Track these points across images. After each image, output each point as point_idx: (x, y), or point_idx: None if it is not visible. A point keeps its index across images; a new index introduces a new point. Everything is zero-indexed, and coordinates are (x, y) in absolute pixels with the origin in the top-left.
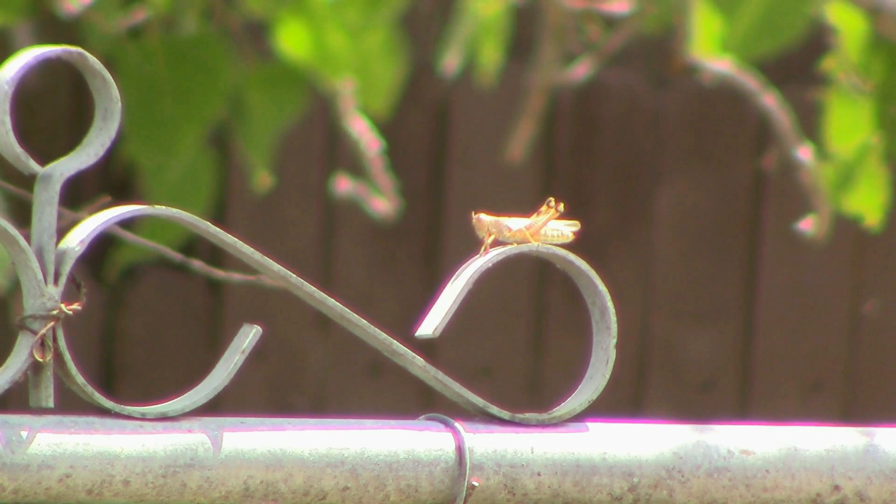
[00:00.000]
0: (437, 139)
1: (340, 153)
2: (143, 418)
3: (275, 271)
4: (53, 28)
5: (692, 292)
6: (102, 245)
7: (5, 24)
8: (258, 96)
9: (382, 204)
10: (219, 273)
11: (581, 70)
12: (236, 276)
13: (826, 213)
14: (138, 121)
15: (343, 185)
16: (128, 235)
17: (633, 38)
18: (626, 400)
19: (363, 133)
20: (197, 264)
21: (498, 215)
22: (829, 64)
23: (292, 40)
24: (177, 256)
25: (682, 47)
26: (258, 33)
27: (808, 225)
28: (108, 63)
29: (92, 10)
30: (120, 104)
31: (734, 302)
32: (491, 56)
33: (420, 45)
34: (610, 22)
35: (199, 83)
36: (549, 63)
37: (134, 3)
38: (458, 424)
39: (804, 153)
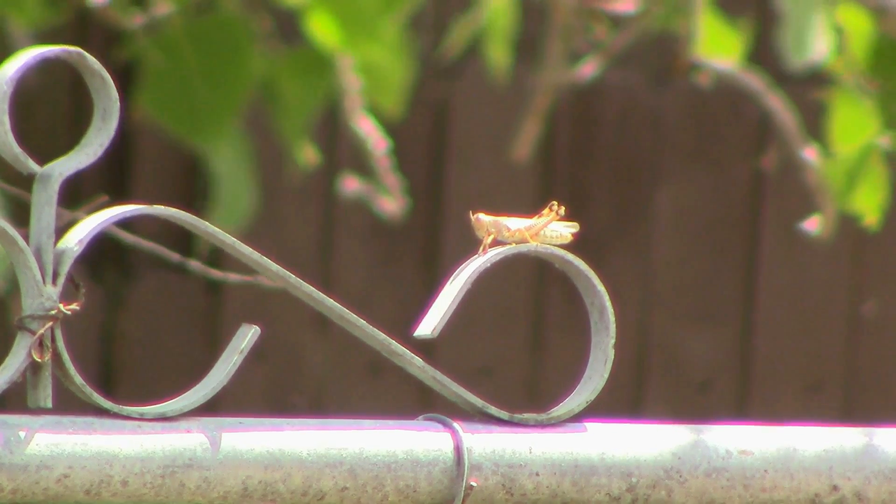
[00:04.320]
0: (437, 139)
1: (341, 153)
2: (142, 418)
3: (273, 271)
4: (54, 31)
5: (691, 292)
6: (103, 246)
7: (33, 26)
8: (288, 82)
9: (389, 203)
10: (216, 273)
11: (587, 69)
12: (233, 277)
13: (830, 213)
14: (174, 114)
15: (350, 184)
16: (126, 236)
17: (638, 37)
18: (624, 400)
19: (370, 132)
20: (194, 264)
21: (497, 215)
22: (834, 64)
23: (322, 23)
24: (174, 256)
25: (687, 47)
26: (287, 21)
27: (812, 224)
28: (133, 60)
29: (109, 8)
30: (119, 104)
31: (733, 302)
32: (500, 54)
33: (420, 44)
34: (616, 21)
35: (227, 64)
36: (555, 62)
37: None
38: (456, 424)
39: (809, 153)
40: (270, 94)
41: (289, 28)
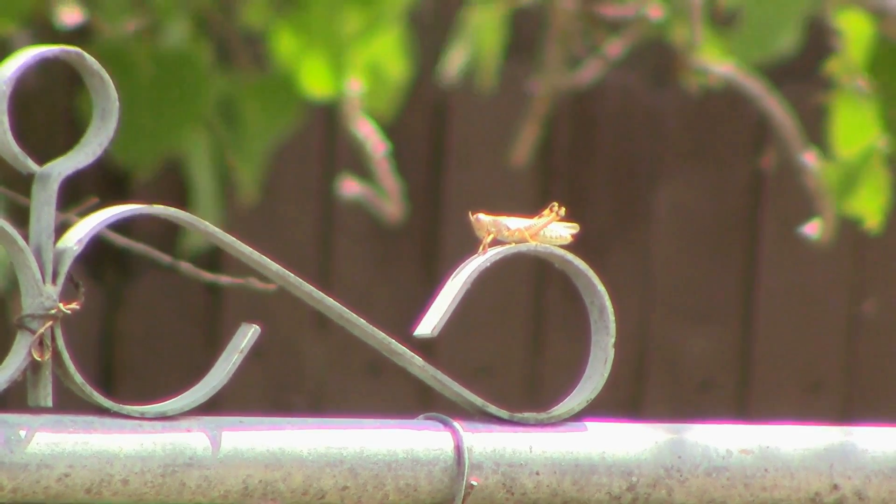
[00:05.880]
0: (437, 140)
1: (339, 153)
2: (142, 417)
3: (273, 270)
4: (52, 31)
5: (691, 292)
6: (102, 245)
7: (4, 33)
8: (252, 107)
9: (389, 206)
10: (207, 275)
11: (587, 73)
12: (224, 279)
13: (830, 217)
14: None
15: (350, 187)
16: (118, 238)
17: (636, 40)
18: (624, 399)
19: (369, 135)
20: (186, 266)
21: (497, 215)
22: (833, 67)
23: (315, 74)
24: (165, 258)
25: (686, 51)
26: (254, 41)
27: (812, 229)
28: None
29: (95, 14)
30: (118, 104)
31: (733, 301)
32: (490, 60)
33: (419, 45)
34: (614, 26)
35: (179, 100)
36: (554, 67)
37: (138, 7)
38: (456, 424)
39: (808, 157)
40: (230, 114)
41: (257, 49)
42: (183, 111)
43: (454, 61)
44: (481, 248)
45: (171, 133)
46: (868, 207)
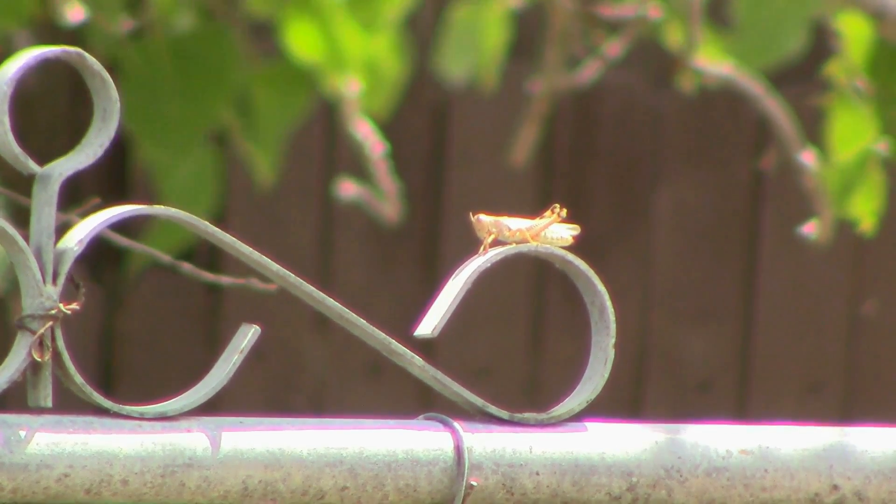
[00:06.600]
0: (437, 140)
1: (340, 154)
2: (142, 418)
3: (273, 271)
4: (53, 32)
5: (691, 292)
6: (102, 246)
7: (5, 29)
8: (264, 95)
9: (387, 207)
10: (209, 275)
11: (586, 74)
12: (226, 279)
13: (828, 218)
14: (146, 122)
15: (347, 188)
16: (121, 239)
17: (636, 39)
18: (624, 400)
19: (367, 136)
20: (187, 267)
21: (498, 215)
22: (832, 69)
23: (301, 40)
24: (167, 259)
25: (686, 52)
26: (262, 32)
27: (810, 229)
28: (112, 66)
29: (95, 12)
30: (119, 104)
31: (733, 302)
32: (492, 60)
33: (419, 46)
34: (614, 26)
35: (206, 80)
36: (554, 67)
37: (136, 4)
38: (456, 424)
39: (807, 157)
40: (244, 104)
41: (265, 39)
42: (212, 94)
43: (453, 58)
44: (482, 248)
45: (204, 115)
46: (862, 210)
